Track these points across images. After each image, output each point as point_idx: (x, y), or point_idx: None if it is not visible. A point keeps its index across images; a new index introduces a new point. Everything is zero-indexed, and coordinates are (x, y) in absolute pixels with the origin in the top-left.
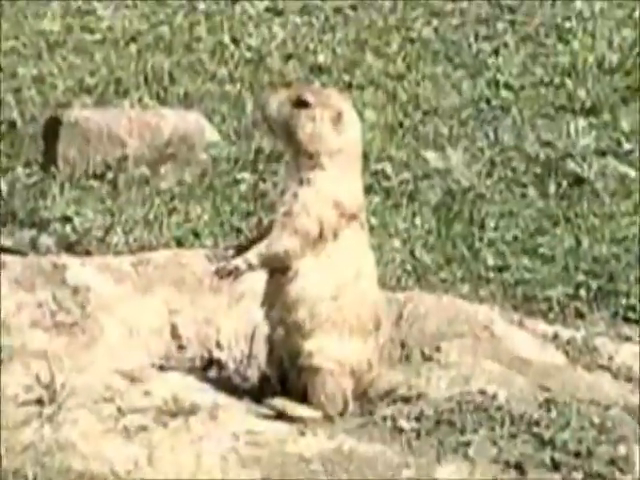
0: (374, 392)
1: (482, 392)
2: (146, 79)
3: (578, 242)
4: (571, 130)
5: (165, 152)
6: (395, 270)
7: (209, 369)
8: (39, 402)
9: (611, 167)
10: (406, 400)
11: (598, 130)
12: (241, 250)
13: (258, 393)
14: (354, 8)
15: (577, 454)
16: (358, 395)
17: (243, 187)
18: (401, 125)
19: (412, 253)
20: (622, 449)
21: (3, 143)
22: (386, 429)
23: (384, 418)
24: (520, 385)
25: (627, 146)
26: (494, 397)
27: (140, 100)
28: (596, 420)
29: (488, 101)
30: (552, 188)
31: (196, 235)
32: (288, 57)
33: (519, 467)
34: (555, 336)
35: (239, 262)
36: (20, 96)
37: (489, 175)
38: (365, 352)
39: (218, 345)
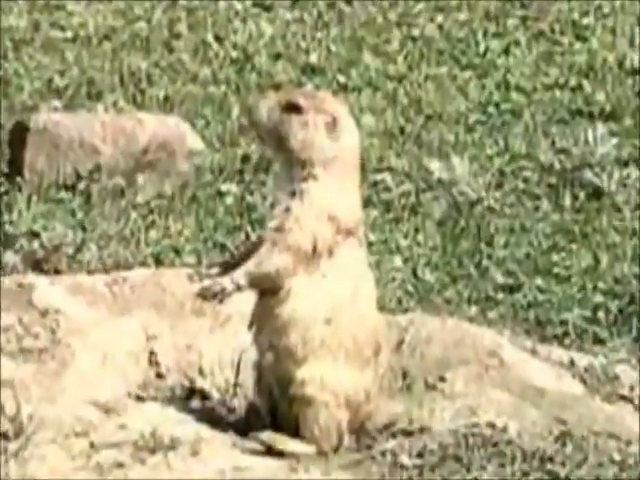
0: (372, 425)
1: (491, 425)
2: (121, 80)
3: (597, 260)
4: (589, 137)
5: (142, 161)
6: (396, 291)
7: (191, 399)
8: (4, 436)
9: (633, 178)
10: (407, 434)
11: (619, 137)
12: (227, 269)
13: (245, 426)
14: (350, 3)
15: None
16: (355, 428)
17: (228, 199)
18: (402, 131)
19: (414, 272)
20: None
21: None
22: (385, 465)
23: (383, 453)
24: (533, 417)
25: None
26: (504, 430)
27: (115, 104)
28: (616, 456)
29: (497, 105)
30: (568, 201)
31: (177, 252)
32: (277, 56)
33: None
34: (571, 363)
35: (225, 282)
36: None
37: (498, 186)
38: (363, 381)
39: (201, 373)
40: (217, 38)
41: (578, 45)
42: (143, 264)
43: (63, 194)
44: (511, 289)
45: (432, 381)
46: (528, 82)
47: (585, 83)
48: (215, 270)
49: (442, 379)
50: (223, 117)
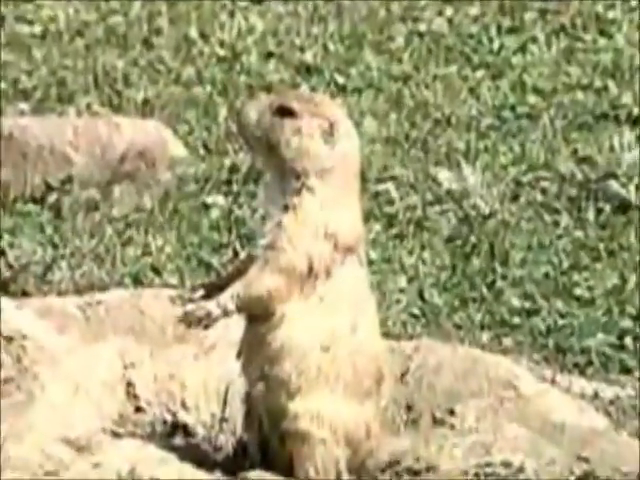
0: (374, 463)
1: (506, 464)
2: (96, 81)
3: (623, 280)
4: (615, 144)
5: (119, 170)
6: (400, 314)
7: (173, 436)
8: None
9: None
10: (413, 473)
11: None
12: (213, 291)
13: (233, 465)
14: None
15: None
16: (354, 467)
17: (214, 213)
18: (407, 137)
19: (420, 293)
20: None
21: None
22: None
23: None
24: (552, 455)
25: None
26: (521, 470)
27: (88, 107)
28: None
29: (513, 108)
30: (591, 215)
31: (157, 272)
32: (269, 55)
33: None
34: (595, 395)
35: (211, 306)
36: None
37: (514, 199)
38: (363, 414)
39: (184, 406)
40: (202, 34)
41: (603, 42)
42: (120, 285)
43: (31, 207)
44: (528, 313)
45: (440, 415)
46: (547, 83)
47: (610, 84)
48: (200, 292)
49: (452, 413)
50: (209, 122)
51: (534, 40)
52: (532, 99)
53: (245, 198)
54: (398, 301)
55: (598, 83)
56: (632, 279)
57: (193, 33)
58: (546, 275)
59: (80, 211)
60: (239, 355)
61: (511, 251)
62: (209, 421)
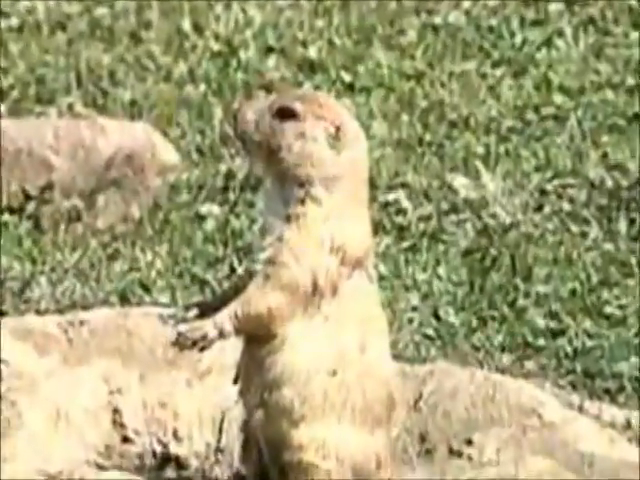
0: None
1: None
2: (79, 79)
3: None
4: None
5: (104, 177)
6: (413, 335)
7: (164, 468)
8: None
9: None
10: None
11: None
12: (208, 310)
13: None
14: None
15: None
16: None
17: (209, 224)
18: (420, 141)
19: (435, 312)
20: None
21: None
22: None
23: None
24: None
25: None
26: None
27: (71, 107)
28: None
29: (537, 109)
30: (623, 225)
31: (146, 288)
32: (269, 50)
33: None
34: (627, 424)
35: (206, 327)
36: None
37: (538, 208)
38: (373, 445)
39: (176, 436)
40: (195, 27)
41: (635, 35)
42: (105, 303)
43: (7, 218)
44: (553, 333)
45: (457, 445)
46: (574, 81)
47: None
48: (193, 311)
49: (469, 443)
50: (202, 124)
51: (560, 34)
52: (558, 99)
53: (242, 208)
54: (411, 320)
55: (630, 81)
56: None
57: (186, 26)
58: (573, 292)
59: (61, 222)
60: (236, 380)
61: (534, 266)
62: (203, 452)
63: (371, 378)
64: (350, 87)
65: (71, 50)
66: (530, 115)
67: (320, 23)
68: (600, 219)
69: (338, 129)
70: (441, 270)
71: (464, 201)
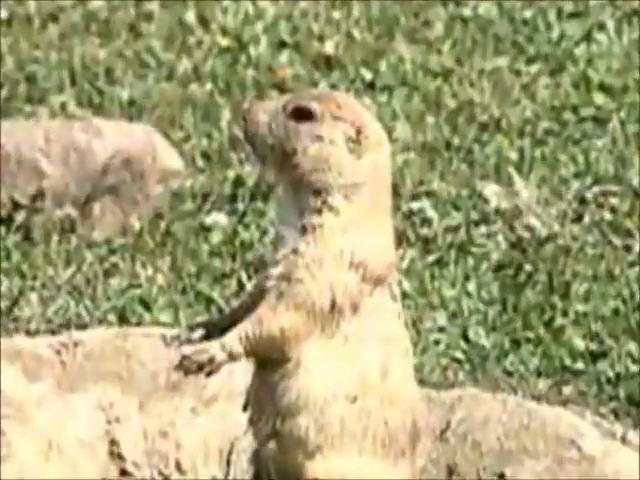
0: None
1: None
2: (72, 76)
3: None
4: None
5: (100, 184)
6: (440, 358)
7: None
8: None
9: None
10: None
11: None
12: (214, 330)
13: None
14: None
15: None
16: None
17: (216, 236)
18: (448, 145)
19: (464, 333)
20: None
21: None
22: None
23: None
24: None
25: None
26: None
27: (64, 107)
28: None
29: (575, 110)
30: None
31: (146, 306)
32: (281, 45)
33: None
34: None
35: (214, 349)
36: None
37: (577, 219)
38: (396, 478)
39: (179, 468)
40: (200, 20)
41: None
42: (102, 322)
43: None
44: (594, 356)
45: (488, 479)
46: (616, 79)
47: None
48: (199, 332)
49: (501, 476)
50: (208, 126)
51: (601, 27)
52: (598, 98)
53: (252, 218)
54: (437, 342)
55: None
56: None
57: (190, 18)
58: (615, 311)
59: (54, 233)
60: (245, 407)
61: (573, 282)
62: None
63: (394, 405)
64: (371, 85)
65: (64, 45)
66: (568, 116)
67: (338, 15)
68: None
69: (358, 131)
70: (470, 286)
71: (495, 211)
